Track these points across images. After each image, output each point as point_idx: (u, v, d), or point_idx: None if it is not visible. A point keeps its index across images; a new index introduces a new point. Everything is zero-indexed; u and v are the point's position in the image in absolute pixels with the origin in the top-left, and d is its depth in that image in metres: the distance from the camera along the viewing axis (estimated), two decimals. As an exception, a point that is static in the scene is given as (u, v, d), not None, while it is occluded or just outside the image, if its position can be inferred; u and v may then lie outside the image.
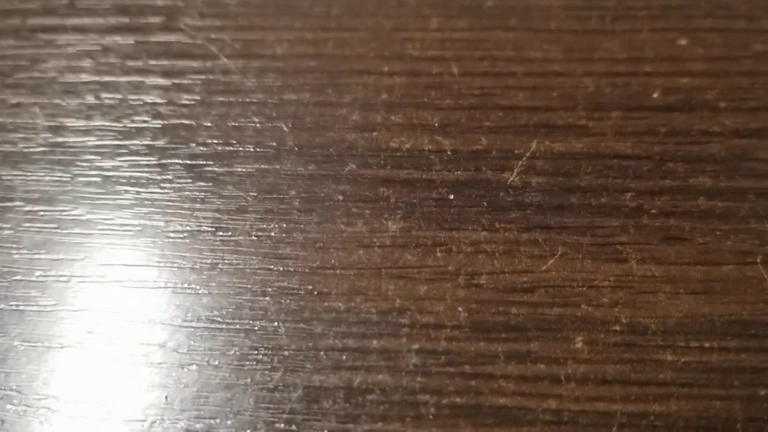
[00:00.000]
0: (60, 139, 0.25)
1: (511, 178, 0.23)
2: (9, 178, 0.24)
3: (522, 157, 0.24)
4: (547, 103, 0.25)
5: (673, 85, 0.25)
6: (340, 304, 0.21)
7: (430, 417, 0.19)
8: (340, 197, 0.23)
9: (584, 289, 0.21)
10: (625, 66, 0.26)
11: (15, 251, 0.23)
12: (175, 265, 0.22)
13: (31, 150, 0.25)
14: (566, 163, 0.23)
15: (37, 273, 0.22)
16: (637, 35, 0.27)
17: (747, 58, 0.26)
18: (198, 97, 0.26)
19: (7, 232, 0.23)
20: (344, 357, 0.20)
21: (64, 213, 0.23)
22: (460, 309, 0.21)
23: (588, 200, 0.22)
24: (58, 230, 0.23)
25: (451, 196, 0.23)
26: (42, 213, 0.23)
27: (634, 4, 0.28)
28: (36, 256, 0.22)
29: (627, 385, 0.19)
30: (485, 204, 0.23)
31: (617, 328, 0.20)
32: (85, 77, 0.27)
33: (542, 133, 0.24)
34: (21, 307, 0.21)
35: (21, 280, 0.22)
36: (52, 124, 0.26)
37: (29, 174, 0.24)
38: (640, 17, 0.27)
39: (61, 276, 0.22)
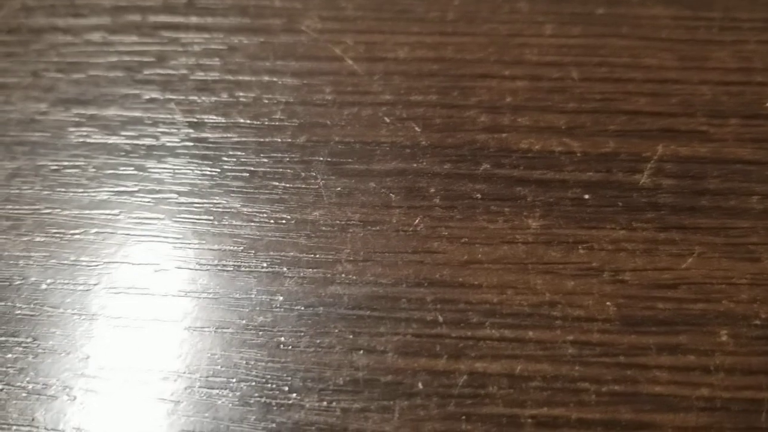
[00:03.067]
0: (201, 135, 0.26)
1: (643, 180, 0.24)
2: (157, 170, 0.25)
3: (650, 160, 0.25)
4: (668, 109, 0.26)
5: (785, 95, 0.26)
6: (492, 297, 0.22)
7: (592, 403, 0.20)
8: (479, 195, 0.24)
9: (723, 286, 0.22)
10: (737, 75, 0.27)
11: (173, 239, 0.24)
12: (330, 256, 0.23)
13: (175, 144, 0.26)
14: (693, 166, 0.25)
15: (201, 261, 0.23)
16: (744, 45, 0.28)
17: None
18: (329, 98, 0.27)
19: (161, 222, 0.24)
20: (503, 346, 0.21)
21: (218, 206, 0.24)
22: (608, 303, 0.22)
23: (718, 202, 0.24)
24: (213, 222, 0.24)
25: (586, 196, 0.24)
26: (196, 205, 0.24)
27: (739, 15, 0.29)
28: (197, 247, 0.23)
29: (773, 375, 0.20)
30: (620, 204, 0.24)
31: (757, 322, 0.21)
32: (215, 75, 0.28)
33: (667, 137, 0.25)
34: (189, 295, 0.23)
35: (181, 268, 0.23)
36: (191, 119, 0.27)
37: (177, 167, 0.25)
38: (745, 28, 0.28)
39: (226, 266, 0.23)
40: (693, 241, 0.23)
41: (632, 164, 0.25)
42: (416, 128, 0.26)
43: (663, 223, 0.23)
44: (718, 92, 0.26)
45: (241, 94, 0.27)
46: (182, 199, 0.25)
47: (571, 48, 0.28)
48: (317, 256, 0.23)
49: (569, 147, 0.25)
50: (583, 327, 0.21)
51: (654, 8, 0.29)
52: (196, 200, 0.24)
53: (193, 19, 0.30)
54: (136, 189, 0.25)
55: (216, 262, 0.23)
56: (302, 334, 0.22)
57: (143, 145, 0.26)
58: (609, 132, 0.26)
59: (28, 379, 0.21)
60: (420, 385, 0.21)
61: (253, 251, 0.23)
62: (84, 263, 0.23)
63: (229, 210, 0.24)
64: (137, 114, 0.27)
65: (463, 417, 0.20)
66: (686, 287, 0.22)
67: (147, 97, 0.28)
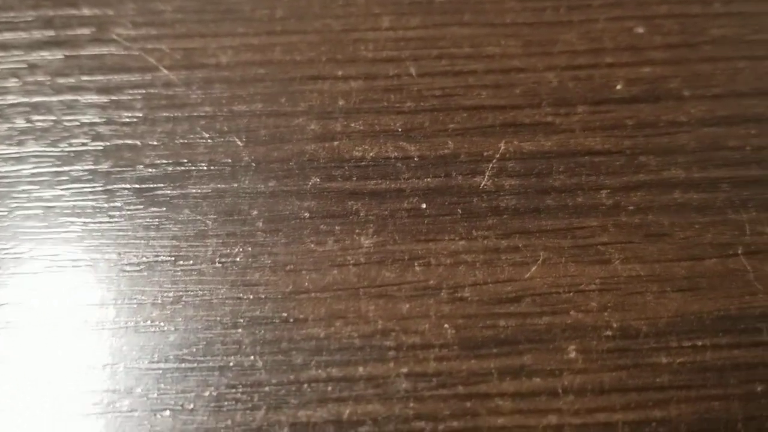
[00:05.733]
0: (-10, 170, 0.23)
1: (483, 182, 0.22)
2: (-65, 216, 0.22)
3: (492, 159, 0.23)
4: (511, 101, 0.24)
5: (635, 75, 0.25)
6: (320, 331, 0.20)
7: (428, 445, 0.18)
8: (307, 214, 0.22)
9: (571, 294, 0.20)
10: (585, 58, 0.25)
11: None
12: (135, 301, 0.20)
13: (-41, 183, 0.23)
14: (537, 163, 0.23)
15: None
16: (594, 25, 0.26)
17: (705, 44, 0.25)
18: (140, 114, 0.24)
19: (-62, 277, 0.21)
20: (329, 388, 0.19)
21: (5, 251, 0.21)
22: (446, 326, 0.20)
23: (564, 201, 0.22)
24: (-1, 271, 0.21)
25: (424, 205, 0.22)
26: (-22, 253, 0.21)
27: (588, -8, 0.27)
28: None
29: (625, 392, 0.19)
30: (460, 211, 0.22)
31: (609, 333, 0.19)
32: (12, 99, 0.25)
33: (510, 132, 0.23)
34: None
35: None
36: (-21, 152, 0.23)
37: (-41, 210, 0.22)
38: (595, 6, 0.27)
39: (8, 321, 0.20)
40: (537, 247, 0.21)
41: (473, 165, 0.22)
42: (238, 142, 0.23)
43: (505, 229, 0.21)
44: (565, 78, 0.25)
45: (38, 118, 0.24)
46: (-38, 248, 0.21)
47: (409, 41, 0.26)
48: (118, 302, 0.20)
49: (406, 152, 0.23)
50: (419, 356, 0.19)
51: (499, -9, 0.27)
52: (-23, 248, 0.21)
53: (-9, 36, 0.26)
54: None
55: (2, 319, 0.20)
56: (99, 398, 0.19)
57: None
58: (448, 131, 0.23)
59: None
60: (233, 445, 0.18)
61: (46, 302, 0.20)
62: None
63: (18, 256, 0.21)
64: None
65: (282, 478, 0.17)
66: (530, 299, 0.20)
67: (-68, 129, 0.24)
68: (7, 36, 0.26)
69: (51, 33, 0.26)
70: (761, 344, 0.19)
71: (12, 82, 0.25)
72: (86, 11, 0.27)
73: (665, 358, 0.19)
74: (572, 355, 0.19)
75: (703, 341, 0.19)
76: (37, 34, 0.26)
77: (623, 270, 0.20)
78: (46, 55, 0.26)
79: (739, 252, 0.21)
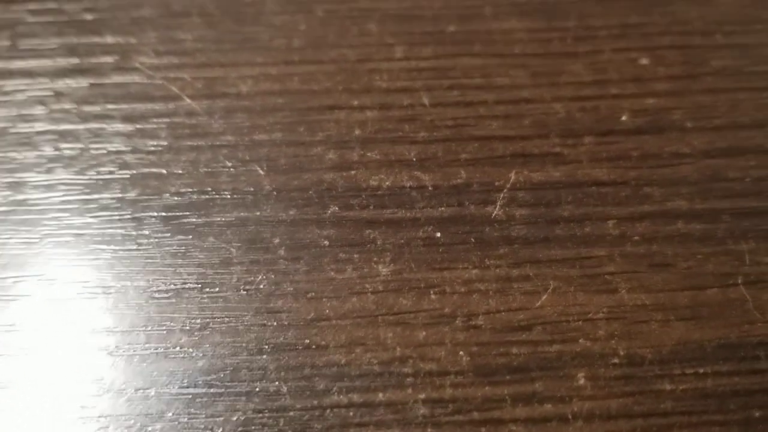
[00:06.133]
0: (21, 197, 0.24)
1: (495, 212, 0.23)
2: (-29, 243, 0.23)
3: (503, 189, 0.24)
4: (520, 132, 0.25)
5: (639, 107, 0.26)
6: (341, 357, 0.21)
7: (445, 469, 0.19)
8: (326, 242, 0.23)
9: (580, 323, 0.21)
10: (591, 89, 0.26)
11: (-14, 324, 0.21)
12: (164, 327, 0.21)
13: (-9, 210, 0.24)
14: (546, 193, 0.24)
15: (12, 349, 0.21)
16: (599, 56, 0.27)
17: (707, 75, 0.26)
18: (165, 143, 0.25)
19: (-26, 303, 0.22)
20: (351, 413, 0.20)
21: (37, 277, 0.22)
22: (461, 353, 0.21)
23: (572, 230, 0.23)
24: (32, 297, 0.22)
25: (438, 234, 0.23)
26: (10, 280, 0.22)
27: (593, 23, 0.28)
28: (9, 330, 0.21)
29: (631, 418, 0.20)
30: (473, 240, 0.23)
31: (616, 360, 0.20)
32: (40, 126, 0.26)
33: (519, 163, 0.24)
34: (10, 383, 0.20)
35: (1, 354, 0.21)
36: (10, 180, 0.24)
37: (-8, 238, 0.23)
38: (600, 37, 0.28)
39: (41, 346, 0.21)
40: (547, 276, 0.22)
41: (484, 195, 0.24)
42: (260, 171, 0.24)
43: (516, 259, 0.22)
44: (573, 109, 0.26)
45: (66, 146, 0.25)
46: (-2, 275, 0.22)
47: (422, 71, 0.27)
48: (148, 328, 0.21)
49: (420, 181, 0.24)
50: (436, 382, 0.20)
51: (508, 21, 0.28)
52: (13, 274, 0.22)
53: (17, 64, 0.27)
54: (-55, 266, 0.22)
55: (28, 346, 0.21)
56: (132, 422, 0.20)
57: (-44, 213, 0.24)
58: (461, 161, 0.24)
59: None
60: (261, 468, 0.19)
61: (78, 328, 0.21)
62: None
63: (51, 282, 0.22)
64: (-49, 177, 0.24)
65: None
66: (541, 328, 0.21)
67: (-38, 156, 0.25)
68: (33, 63, 0.27)
69: (75, 61, 0.27)
70: (759, 372, 0.20)
71: (39, 110, 0.26)
72: (109, 39, 0.28)
73: (669, 385, 0.20)
74: (581, 382, 0.20)
75: (704, 368, 0.20)
76: (62, 62, 0.27)
77: (629, 299, 0.21)
78: (71, 82, 0.27)
79: (739, 282, 0.22)
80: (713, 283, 0.22)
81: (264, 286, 0.22)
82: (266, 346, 0.21)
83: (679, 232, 0.23)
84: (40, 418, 0.20)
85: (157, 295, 0.22)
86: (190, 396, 0.20)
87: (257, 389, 0.20)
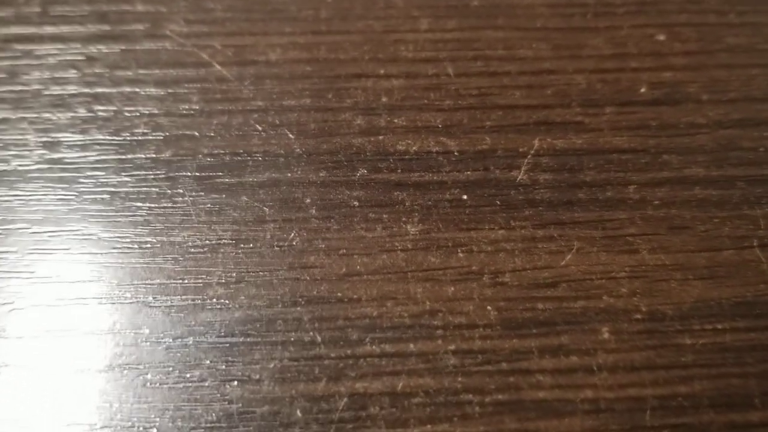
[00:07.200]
0: (57, 155, 0.24)
1: (520, 176, 0.24)
2: (7, 198, 0.23)
3: (527, 155, 0.24)
4: (543, 101, 0.26)
5: (657, 79, 0.26)
6: (372, 310, 0.21)
7: (476, 415, 0.20)
8: (356, 203, 0.23)
9: (603, 281, 0.22)
10: (612, 62, 0.27)
11: (26, 275, 0.22)
12: (200, 280, 0.22)
13: (27, 168, 0.24)
14: (569, 159, 0.24)
15: (60, 296, 0.21)
16: (618, 32, 0.28)
17: (722, 51, 0.27)
18: (197, 107, 0.26)
19: (14, 256, 0.22)
20: (384, 362, 0.21)
21: (75, 232, 0.23)
22: (489, 308, 0.21)
23: (595, 194, 0.24)
24: (70, 251, 0.22)
25: (465, 197, 0.24)
26: (51, 234, 0.23)
27: (612, 0, 0.29)
28: (54, 281, 0.22)
29: (654, 370, 0.20)
30: (498, 203, 0.23)
31: (638, 316, 0.21)
32: (72, 89, 0.26)
33: (542, 130, 0.25)
34: (47, 335, 0.21)
35: (38, 305, 0.21)
36: (45, 139, 0.25)
37: (30, 194, 0.24)
38: (619, 14, 0.28)
39: (82, 298, 0.21)
40: (571, 237, 0.23)
41: (509, 160, 0.24)
42: (290, 135, 0.25)
43: (541, 220, 0.23)
44: (593, 80, 0.26)
45: (100, 108, 0.26)
46: (35, 228, 0.23)
47: (447, 42, 0.27)
48: (186, 281, 0.22)
49: (446, 146, 0.25)
50: (465, 335, 0.21)
51: (529, -4, 0.29)
52: (50, 228, 0.23)
53: (48, 29, 0.28)
54: (-15, 220, 0.23)
55: (74, 296, 0.21)
56: (170, 369, 0.20)
57: (-6, 170, 0.24)
58: (485, 128, 0.25)
59: None
60: (298, 413, 0.20)
61: (116, 281, 0.22)
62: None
63: (88, 237, 0.23)
64: (-13, 136, 0.25)
65: (345, 441, 0.19)
66: (566, 285, 0.22)
67: (-2, 117, 0.26)
68: (64, 29, 0.28)
69: (106, 27, 0.28)
70: (775, 328, 0.21)
71: (72, 73, 0.27)
72: (140, 7, 0.28)
73: (689, 340, 0.21)
74: (605, 335, 0.21)
75: (722, 324, 0.21)
76: (93, 28, 0.28)
77: (650, 259, 0.22)
78: (102, 48, 0.27)
79: (755, 244, 0.23)
80: (729, 245, 0.23)
81: (297, 242, 0.23)
82: (300, 299, 0.22)
83: (696, 197, 0.24)
84: (82, 366, 0.20)
85: (193, 250, 0.22)
86: (228, 345, 0.21)
87: (292, 339, 0.21)
